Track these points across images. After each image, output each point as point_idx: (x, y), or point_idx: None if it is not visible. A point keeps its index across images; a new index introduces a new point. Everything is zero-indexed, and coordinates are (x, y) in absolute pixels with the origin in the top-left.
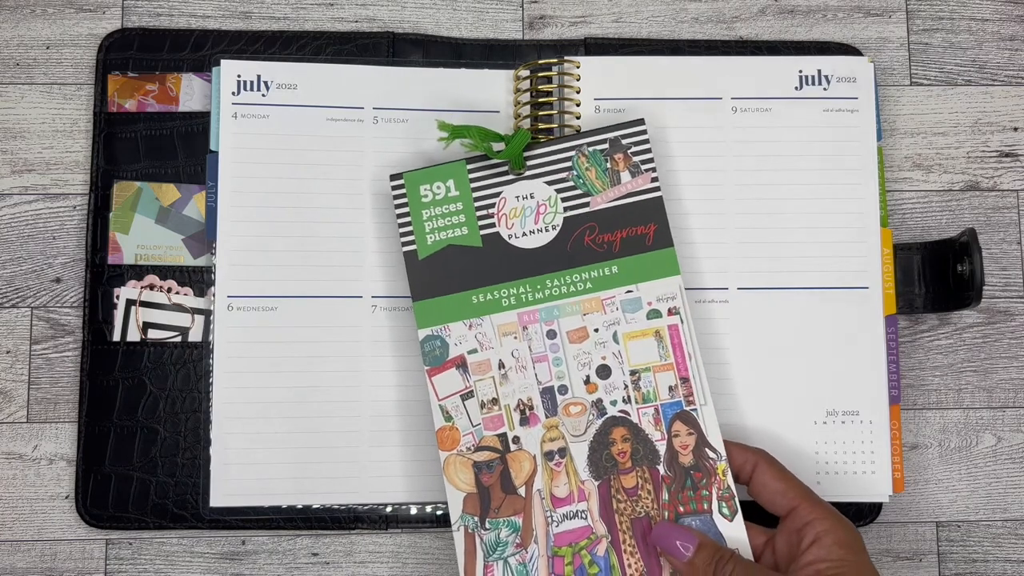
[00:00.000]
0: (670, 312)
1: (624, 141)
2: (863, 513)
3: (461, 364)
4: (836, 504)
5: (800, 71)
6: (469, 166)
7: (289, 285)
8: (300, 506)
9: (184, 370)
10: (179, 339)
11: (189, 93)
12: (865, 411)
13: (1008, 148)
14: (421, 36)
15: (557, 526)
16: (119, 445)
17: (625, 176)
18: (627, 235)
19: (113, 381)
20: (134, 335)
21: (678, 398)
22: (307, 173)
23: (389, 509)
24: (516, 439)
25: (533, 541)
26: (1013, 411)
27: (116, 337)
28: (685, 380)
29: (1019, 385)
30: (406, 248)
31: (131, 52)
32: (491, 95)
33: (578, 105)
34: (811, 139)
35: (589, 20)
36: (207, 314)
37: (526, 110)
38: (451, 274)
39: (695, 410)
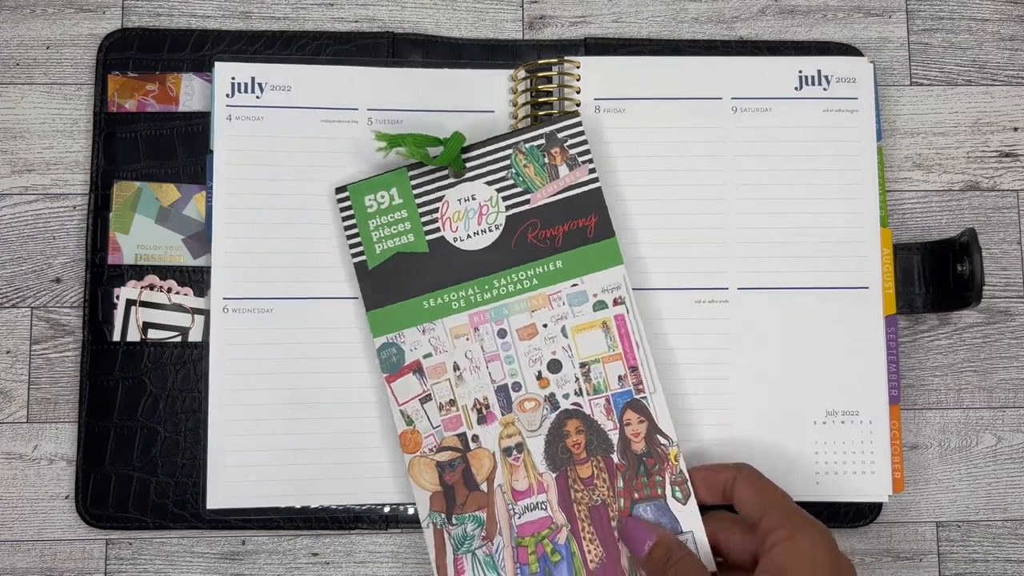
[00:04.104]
0: (615, 302)
1: (560, 135)
2: (863, 513)
3: (417, 369)
4: (835, 504)
5: (800, 71)
6: (411, 172)
7: (285, 287)
8: (299, 506)
9: (184, 370)
10: (179, 339)
11: (189, 93)
12: (865, 411)
13: (1008, 148)
14: (421, 36)
15: (519, 518)
16: (119, 445)
17: (563, 170)
18: (569, 228)
19: (113, 381)
20: (134, 335)
21: (628, 387)
22: (302, 175)
23: (388, 509)
24: (475, 438)
25: (498, 533)
26: (1013, 411)
27: (116, 337)
28: (634, 369)
29: (1019, 385)
30: (356, 259)
31: (131, 52)
32: (487, 95)
33: (578, 105)
34: (811, 139)
35: (589, 20)
36: (207, 314)
37: (526, 110)
38: (401, 281)
39: (645, 398)
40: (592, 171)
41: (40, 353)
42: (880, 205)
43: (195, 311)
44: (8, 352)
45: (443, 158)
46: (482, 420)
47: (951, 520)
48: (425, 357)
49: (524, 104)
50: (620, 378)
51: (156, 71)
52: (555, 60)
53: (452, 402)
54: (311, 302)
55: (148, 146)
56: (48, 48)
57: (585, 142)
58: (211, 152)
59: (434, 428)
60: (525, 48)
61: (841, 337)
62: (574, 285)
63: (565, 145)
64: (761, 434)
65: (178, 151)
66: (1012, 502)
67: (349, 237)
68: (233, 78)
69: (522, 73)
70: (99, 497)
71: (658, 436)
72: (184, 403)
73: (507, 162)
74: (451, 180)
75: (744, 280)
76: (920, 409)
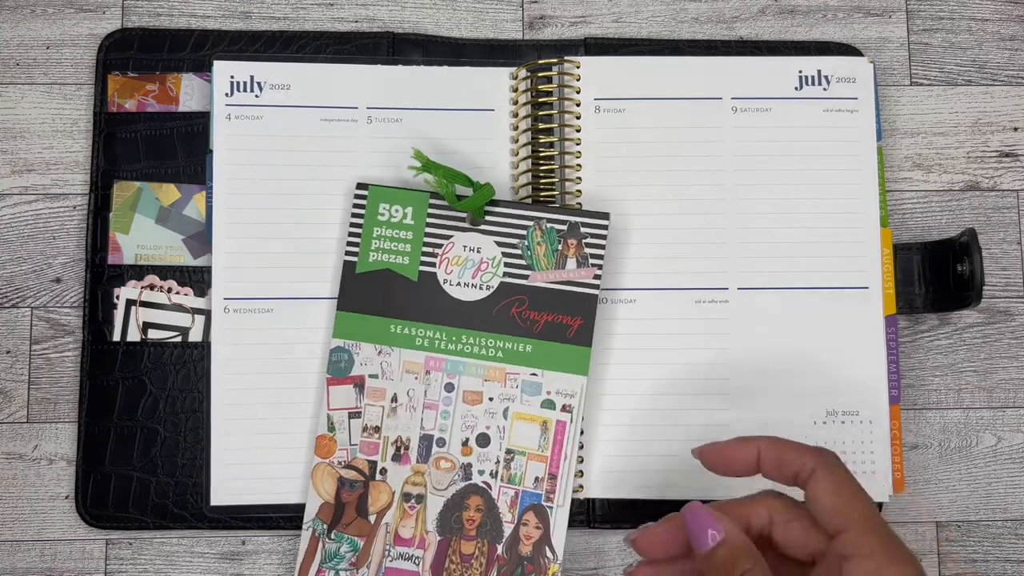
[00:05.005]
0: (564, 408)
1: (583, 229)
2: None
3: (359, 384)
4: None
5: (800, 71)
6: (432, 200)
7: (285, 287)
8: (301, 503)
9: (184, 370)
10: (179, 339)
11: (189, 93)
12: (865, 411)
13: (1008, 148)
14: (421, 36)
15: (391, 561)
16: (119, 445)
17: (571, 263)
18: (552, 320)
19: (113, 381)
20: (134, 335)
21: (540, 491)
22: (302, 174)
23: None
24: (384, 471)
25: (366, 565)
26: (1013, 411)
27: (116, 337)
28: (553, 477)
29: (1019, 385)
30: (347, 257)
31: (131, 52)
32: (487, 93)
33: (578, 105)
34: (811, 139)
35: (589, 20)
36: (207, 314)
37: (526, 110)
38: (379, 297)
39: (551, 508)
40: (597, 276)
41: (40, 353)
42: (880, 205)
43: (195, 311)
44: (8, 352)
45: (467, 205)
46: (397, 458)
47: (951, 520)
48: (371, 376)
49: (524, 104)
50: (537, 479)
51: (156, 71)
52: (555, 60)
53: (377, 429)
54: (311, 302)
55: (148, 146)
56: (48, 48)
57: (603, 247)
58: (211, 152)
59: (351, 445)
60: (525, 48)
61: (841, 337)
62: (533, 374)
63: (583, 241)
64: (761, 434)
65: (178, 151)
66: (1012, 502)
67: (350, 235)
68: (232, 77)
69: (523, 73)
70: (99, 497)
71: (547, 547)
72: (184, 403)
73: (524, 232)
74: (466, 225)
75: (744, 280)
76: (920, 409)
